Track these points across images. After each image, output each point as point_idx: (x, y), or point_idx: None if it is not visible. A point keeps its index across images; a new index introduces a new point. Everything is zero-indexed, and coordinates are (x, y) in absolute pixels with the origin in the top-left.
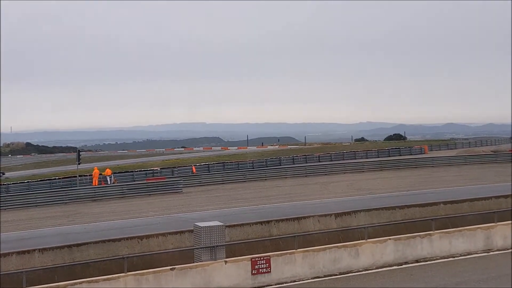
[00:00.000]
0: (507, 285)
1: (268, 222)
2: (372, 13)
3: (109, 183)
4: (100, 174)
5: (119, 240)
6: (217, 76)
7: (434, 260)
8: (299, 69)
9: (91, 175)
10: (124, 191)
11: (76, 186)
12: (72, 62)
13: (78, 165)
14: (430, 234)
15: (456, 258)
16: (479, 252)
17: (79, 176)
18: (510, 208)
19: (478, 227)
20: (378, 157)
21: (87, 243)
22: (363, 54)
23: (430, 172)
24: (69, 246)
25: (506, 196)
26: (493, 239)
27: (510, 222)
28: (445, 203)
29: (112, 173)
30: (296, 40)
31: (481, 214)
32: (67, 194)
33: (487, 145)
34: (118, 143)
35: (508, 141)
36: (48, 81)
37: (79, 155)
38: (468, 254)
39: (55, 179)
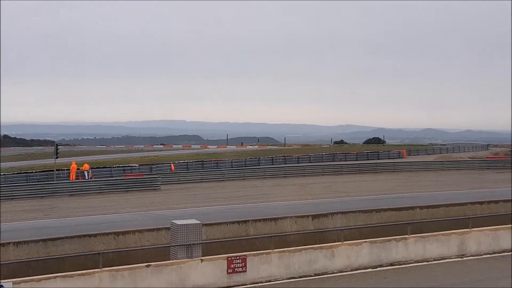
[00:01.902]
0: None
1: (245, 221)
2: (353, 15)
3: (86, 178)
4: (78, 169)
5: (95, 235)
6: (199, 75)
7: (408, 263)
8: (281, 69)
9: (69, 169)
10: (101, 186)
11: (53, 180)
12: (52, 56)
13: (56, 159)
14: (405, 238)
15: (430, 263)
16: (453, 257)
17: (57, 170)
18: (485, 215)
19: (453, 233)
20: (357, 160)
21: (62, 238)
22: (345, 57)
23: (408, 176)
24: (44, 240)
25: (481, 203)
26: (467, 244)
27: (484, 228)
28: (421, 207)
29: (90, 168)
30: (281, 40)
31: (456, 219)
32: (44, 188)
33: (464, 151)
34: (97, 138)
35: (485, 148)
36: (25, 74)
37: (57, 149)
38: (442, 259)
39: (32, 172)
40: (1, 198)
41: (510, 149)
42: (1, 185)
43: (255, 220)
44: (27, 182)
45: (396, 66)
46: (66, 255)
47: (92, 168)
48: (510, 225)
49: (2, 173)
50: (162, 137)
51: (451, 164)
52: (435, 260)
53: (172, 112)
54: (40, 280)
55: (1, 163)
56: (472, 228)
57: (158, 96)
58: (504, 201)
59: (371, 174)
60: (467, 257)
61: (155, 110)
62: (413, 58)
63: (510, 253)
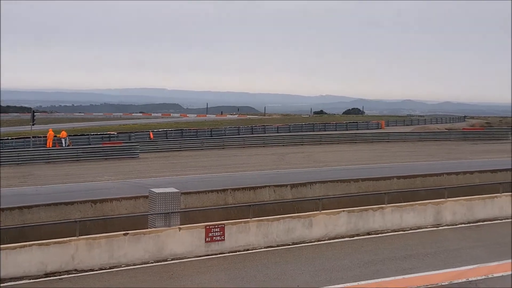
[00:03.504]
0: (455, 260)
1: (223, 190)
2: None
3: (64, 145)
4: (55, 136)
5: (72, 203)
6: (183, 44)
7: (385, 233)
8: (263, 39)
9: (46, 136)
10: (79, 154)
11: (30, 148)
12: (30, 20)
13: (32, 126)
14: (382, 208)
15: (406, 232)
16: (429, 226)
17: (33, 137)
18: (461, 185)
19: (429, 202)
20: (336, 130)
21: (38, 205)
22: (327, 26)
23: (386, 147)
24: (20, 208)
25: (457, 173)
26: (443, 214)
27: (459, 198)
28: (398, 177)
29: (67, 136)
30: (263, 10)
31: (432, 189)
32: (19, 155)
33: (442, 123)
34: (75, 105)
35: (462, 119)
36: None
37: (33, 115)
38: (419, 228)
39: (7, 139)
40: None
41: (486, 121)
42: None
43: (234, 189)
44: (2, 149)
45: (383, 37)
46: (42, 223)
47: (69, 135)
48: (484, 196)
49: None
50: (142, 105)
51: (428, 135)
52: (411, 229)
53: (153, 81)
54: (15, 248)
55: None
56: (447, 198)
57: (138, 65)
58: (479, 171)
59: (350, 144)
60: (442, 226)
61: (135, 78)
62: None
63: (484, 223)
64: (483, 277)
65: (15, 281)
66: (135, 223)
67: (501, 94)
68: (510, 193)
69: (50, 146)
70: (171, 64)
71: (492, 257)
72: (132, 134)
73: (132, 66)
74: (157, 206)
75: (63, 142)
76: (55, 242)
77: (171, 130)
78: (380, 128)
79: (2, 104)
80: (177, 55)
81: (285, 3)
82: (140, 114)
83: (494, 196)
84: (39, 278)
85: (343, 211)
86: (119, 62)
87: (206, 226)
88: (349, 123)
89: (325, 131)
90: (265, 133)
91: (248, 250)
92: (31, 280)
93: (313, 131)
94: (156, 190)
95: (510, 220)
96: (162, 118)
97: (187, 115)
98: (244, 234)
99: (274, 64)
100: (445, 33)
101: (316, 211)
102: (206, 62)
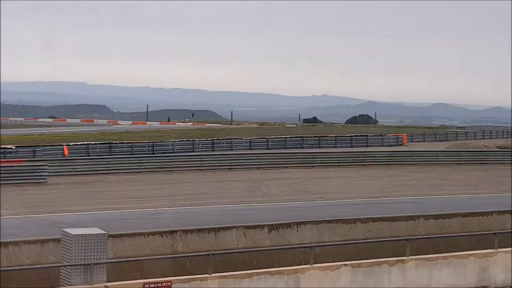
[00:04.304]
0: None
1: (171, 233)
2: None
3: None
4: None
5: None
6: (110, 18)
7: None
8: (223, 18)
9: None
10: None
11: None
12: None
13: None
14: (402, 261)
15: None
16: None
17: None
18: None
19: (471, 254)
20: (336, 147)
21: None
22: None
23: (408, 172)
24: None
25: None
26: (491, 271)
27: None
28: (426, 217)
29: None
30: None
31: (476, 235)
32: None
33: (490, 138)
34: None
35: None
36: None
37: None
38: None
39: None
40: None
41: None
42: None
43: (186, 231)
44: None
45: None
46: None
47: None
48: None
49: None
50: (52, 107)
51: (471, 155)
52: None
53: (68, 72)
54: None
55: None
56: (498, 248)
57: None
58: None
59: (356, 168)
60: None
61: (40, 67)
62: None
63: None
64: None
65: None
66: (41, 278)
67: None
68: None
69: None
70: (92, 47)
71: None
72: (38, 149)
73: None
74: (73, 254)
75: None
76: None
77: (95, 143)
78: (401, 145)
79: None
80: (100, 33)
81: None
82: (50, 120)
83: None
84: None
85: (345, 265)
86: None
87: (145, 283)
88: (356, 137)
89: (319, 148)
90: (232, 150)
91: None
92: None
93: (302, 147)
94: (73, 231)
95: None
96: (82, 126)
97: (118, 122)
98: None
99: (243, 49)
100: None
101: (305, 264)
102: (146, 44)
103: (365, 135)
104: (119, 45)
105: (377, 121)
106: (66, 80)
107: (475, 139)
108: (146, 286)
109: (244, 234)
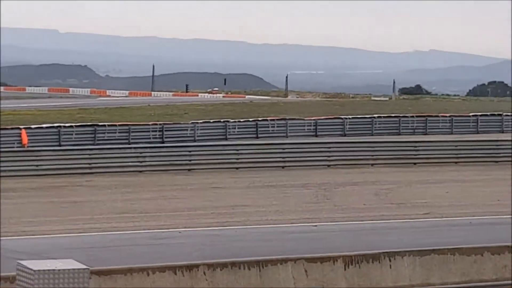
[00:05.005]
0: None
1: (190, 268)
2: None
3: None
4: None
5: None
6: None
7: None
8: None
9: None
10: None
11: None
12: None
13: None
14: None
15: None
16: None
17: None
18: None
19: None
20: (452, 133)
21: None
22: None
23: None
24: None
25: None
26: None
27: None
28: None
29: None
30: None
31: None
32: None
33: None
34: None
35: None
36: None
37: None
38: None
39: None
40: None
41: None
42: None
43: (213, 266)
44: None
45: None
46: None
47: None
48: None
49: None
50: (4, 68)
51: None
52: None
53: (29, 14)
54: None
55: None
56: None
57: None
58: None
59: (483, 167)
60: None
61: None
62: None
63: None
64: None
65: None
66: None
67: None
68: None
69: None
70: None
71: None
72: None
73: None
74: None
75: None
76: None
77: (70, 125)
78: None
79: None
80: None
81: None
82: (1, 89)
83: None
84: None
85: None
86: None
87: None
88: (483, 118)
89: (425, 134)
90: (286, 137)
91: None
92: None
93: (399, 133)
94: (35, 265)
95: None
96: (51, 97)
97: (107, 91)
98: None
99: None
100: None
101: None
102: None
103: (499, 115)
104: None
105: None
106: (25, 26)
107: None
108: None
109: (306, 270)
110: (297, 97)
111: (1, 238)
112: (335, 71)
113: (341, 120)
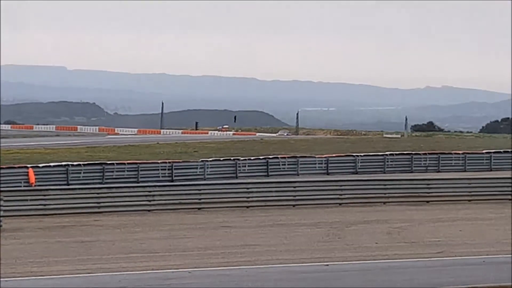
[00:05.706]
0: None
1: None
2: None
3: None
4: None
5: None
6: None
7: None
8: None
9: None
10: None
11: None
12: None
13: None
14: None
15: None
16: None
17: None
18: None
19: None
20: (465, 170)
21: None
22: None
23: None
24: None
25: None
26: None
27: None
28: None
29: None
30: None
31: None
32: None
33: None
34: None
35: None
36: None
37: None
38: None
39: None
40: None
41: None
42: None
43: None
44: None
45: None
46: None
47: None
48: None
49: None
50: (10, 106)
51: None
52: None
53: (38, 51)
54: None
55: None
56: None
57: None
58: None
59: (497, 205)
60: None
61: None
62: None
63: None
64: None
65: None
66: None
67: None
68: None
69: None
70: (72, 15)
71: None
72: None
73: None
74: None
75: None
76: None
77: (78, 164)
78: None
79: None
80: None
81: None
82: (8, 127)
83: None
84: None
85: None
86: None
87: None
88: (497, 155)
89: (438, 172)
90: (297, 175)
91: None
92: None
93: (411, 171)
94: None
95: None
96: (59, 136)
97: (116, 129)
98: None
99: (317, 16)
100: None
101: None
102: (154, 8)
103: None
104: (115, 11)
105: None
106: (33, 63)
107: None
108: None
109: None
110: (307, 135)
111: (10, 279)
112: (346, 107)
113: (352, 158)
